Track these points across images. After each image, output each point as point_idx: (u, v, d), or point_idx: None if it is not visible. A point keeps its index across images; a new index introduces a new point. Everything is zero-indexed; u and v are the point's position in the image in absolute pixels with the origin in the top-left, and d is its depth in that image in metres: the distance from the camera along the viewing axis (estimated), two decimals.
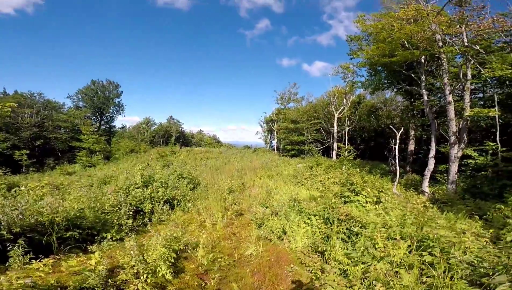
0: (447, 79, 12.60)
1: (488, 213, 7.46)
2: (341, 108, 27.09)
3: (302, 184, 12.33)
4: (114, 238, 5.19)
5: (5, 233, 3.91)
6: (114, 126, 52.22)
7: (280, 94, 41.02)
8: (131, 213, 6.32)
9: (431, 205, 7.55)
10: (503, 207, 7.24)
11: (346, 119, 27.97)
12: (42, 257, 3.60)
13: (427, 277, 3.46)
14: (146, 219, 7.10)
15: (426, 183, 12.73)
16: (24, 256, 3.73)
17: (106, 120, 49.12)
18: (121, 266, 3.81)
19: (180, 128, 63.67)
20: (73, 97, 45.95)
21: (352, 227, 5.08)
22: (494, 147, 12.58)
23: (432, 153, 13.27)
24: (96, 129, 40.55)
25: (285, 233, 6.02)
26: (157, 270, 3.88)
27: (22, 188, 6.78)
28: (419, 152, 21.67)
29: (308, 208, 6.93)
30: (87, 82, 47.08)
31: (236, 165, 20.68)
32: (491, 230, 5.42)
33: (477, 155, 13.13)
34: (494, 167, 12.42)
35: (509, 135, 14.25)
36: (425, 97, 14.50)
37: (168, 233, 5.33)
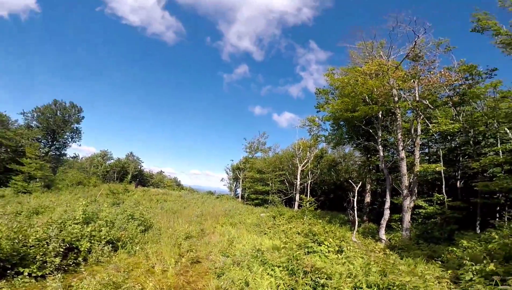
0: (401, 134, 14.08)
1: (443, 255, 7.92)
2: (305, 161, 28.19)
3: (265, 233, 11.91)
4: (33, 274, 4.06)
5: None
6: (65, 154, 46.86)
7: (249, 142, 41.75)
8: (61, 249, 5.18)
9: (391, 252, 7.69)
10: (455, 249, 7.88)
11: (309, 172, 28.95)
12: None
13: None
14: (81, 258, 5.87)
15: (382, 231, 13.27)
16: None
17: (57, 145, 43.81)
18: None
19: (139, 166, 60.30)
20: (27, 114, 40.58)
21: (318, 279, 4.88)
22: (441, 198, 13.94)
23: (387, 204, 14.10)
24: (43, 154, 35.82)
25: (247, 285, 5.32)
26: None
27: None
28: (375, 203, 23.00)
29: (271, 259, 6.65)
30: (49, 101, 42.80)
31: (196, 210, 19.59)
32: (449, 271, 5.68)
33: (427, 205, 14.38)
34: (441, 214, 13.64)
35: (451, 186, 15.86)
36: (381, 153, 15.81)
37: (105, 276, 4.35)
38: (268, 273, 5.78)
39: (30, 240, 4.91)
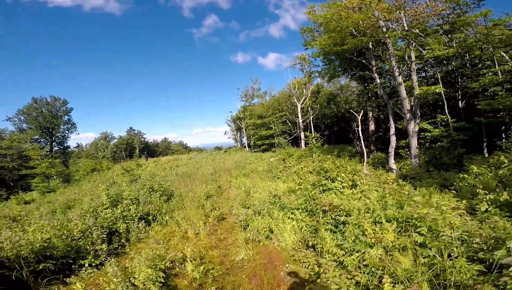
0: (395, 62, 13.72)
1: (455, 183, 7.90)
2: (303, 98, 27.99)
3: (278, 178, 12.37)
4: (93, 264, 4.74)
5: None
6: (69, 146, 48.20)
7: (244, 91, 41.21)
8: (105, 236, 5.82)
9: (404, 183, 7.81)
10: (466, 176, 7.69)
11: (309, 108, 29.01)
12: None
13: (423, 257, 3.50)
14: (123, 239, 6.59)
15: (392, 160, 13.67)
16: None
17: (58, 140, 44.95)
18: None
19: (142, 139, 60.73)
20: (13, 119, 40.94)
21: (337, 217, 5.14)
22: (445, 119, 13.95)
23: (392, 130, 14.30)
24: (48, 152, 36.68)
25: (272, 232, 5.99)
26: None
27: None
28: (379, 130, 23.27)
29: (289, 202, 6.89)
30: (28, 101, 42.19)
31: (209, 169, 20.24)
32: (463, 201, 5.63)
33: (432, 127, 14.43)
34: (448, 137, 13.82)
35: (453, 107, 15.96)
36: (378, 80, 15.63)
37: (149, 252, 5.01)
38: (288, 217, 6.19)
39: (75, 233, 5.53)
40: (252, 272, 4.54)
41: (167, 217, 8.46)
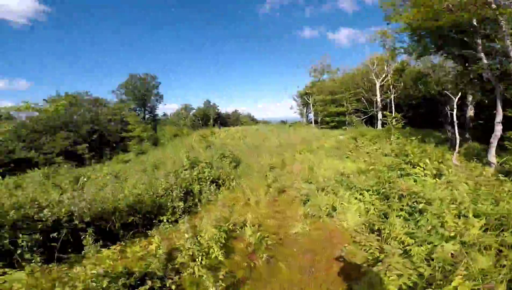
0: (510, 41, 10.40)
1: None
2: (383, 75, 24.84)
3: (347, 157, 11.74)
4: (169, 220, 5.51)
5: (77, 222, 4.37)
6: (157, 115, 56.93)
7: (313, 66, 39.45)
8: (182, 195, 6.67)
9: (505, 178, 6.40)
10: None
11: (390, 87, 25.64)
12: (110, 244, 3.98)
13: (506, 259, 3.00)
14: (196, 199, 7.42)
15: (492, 151, 11.02)
16: (96, 244, 4.13)
17: (149, 110, 53.73)
18: (178, 248, 4.02)
19: (216, 110, 66.17)
20: (116, 92, 50.54)
21: (415, 204, 4.58)
22: None
23: (499, 118, 11.36)
24: (142, 119, 44.63)
25: (334, 210, 5.77)
26: (210, 252, 4.03)
27: (85, 179, 7.55)
28: (479, 118, 19.01)
29: (358, 182, 6.49)
30: (126, 77, 51.34)
31: (275, 141, 20.51)
32: None
33: None
34: None
35: None
36: (485, 61, 12.25)
37: (217, 214, 5.52)
38: (355, 198, 5.85)
39: (159, 191, 6.53)
40: (306, 247, 4.51)
41: (234, 183, 9.09)
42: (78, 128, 35.32)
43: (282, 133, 26.39)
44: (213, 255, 4.00)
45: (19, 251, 3.60)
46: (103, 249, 3.81)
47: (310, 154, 13.21)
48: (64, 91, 41.03)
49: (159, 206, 5.97)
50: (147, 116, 53.02)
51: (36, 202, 4.42)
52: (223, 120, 64.12)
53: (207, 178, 8.75)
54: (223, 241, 4.29)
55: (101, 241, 4.22)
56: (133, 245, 4.16)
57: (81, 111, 37.84)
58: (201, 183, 8.40)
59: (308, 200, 6.54)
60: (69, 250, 4.10)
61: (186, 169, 9.21)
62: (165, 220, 5.34)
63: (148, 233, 4.94)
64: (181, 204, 6.23)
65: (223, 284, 3.33)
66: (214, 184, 8.65)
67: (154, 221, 5.46)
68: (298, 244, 4.67)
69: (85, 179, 7.65)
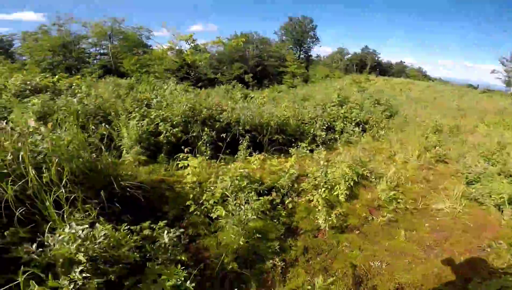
0: None
1: None
2: None
3: None
4: (307, 147, 6.02)
5: (241, 128, 5.55)
6: (311, 55, 60.36)
7: None
8: (324, 127, 6.93)
9: None
10: None
11: None
12: (257, 152, 4.90)
13: None
14: (337, 136, 7.49)
15: None
16: (247, 150, 5.08)
17: (304, 50, 58.36)
18: (306, 175, 4.40)
19: (376, 58, 61.32)
20: (278, 33, 57.68)
21: None
22: None
23: None
24: (297, 58, 49.27)
25: (510, 204, 4.30)
26: (335, 188, 4.18)
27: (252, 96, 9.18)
28: None
29: None
30: (286, 19, 56.57)
31: (451, 104, 16.10)
32: None
33: None
34: None
35: None
36: None
37: (355, 155, 5.43)
38: None
39: (306, 118, 7.05)
40: (444, 228, 3.81)
41: (382, 132, 8.30)
42: (247, 61, 43.77)
43: (467, 98, 19.91)
44: (335, 193, 4.15)
45: (199, 143, 4.96)
46: (251, 157, 4.73)
47: (504, 130, 9.56)
48: (240, 31, 50.42)
49: (301, 132, 6.57)
50: (302, 55, 57.30)
51: (219, 106, 5.99)
52: (382, 69, 57.79)
53: (353, 119, 8.46)
54: (351, 184, 4.28)
55: (251, 148, 5.23)
56: (272, 159, 4.94)
57: (250, 48, 45.72)
58: (345, 122, 8.25)
59: (477, 181, 5.22)
60: (227, 151, 5.20)
61: (334, 105, 9.17)
62: (303, 145, 5.88)
63: (290, 151, 5.62)
64: (323, 134, 6.56)
65: (332, 221, 3.44)
66: (359, 127, 8.25)
67: (293, 144, 6.13)
68: (433, 221, 4.02)
69: (252, 96, 9.42)
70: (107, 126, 3.66)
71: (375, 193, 4.49)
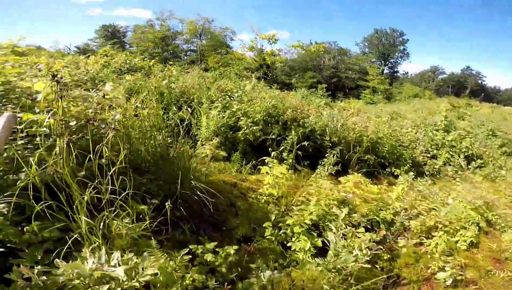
0: None
1: None
2: None
3: None
4: (395, 173, 4.83)
5: (326, 139, 4.71)
6: (397, 71, 54.65)
7: None
8: (428, 155, 5.54)
9: None
10: None
11: None
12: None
13: None
14: (437, 166, 5.94)
15: None
16: (333, 166, 3.93)
17: (390, 65, 53.16)
18: (421, 212, 3.42)
19: (479, 81, 53.95)
20: (360, 44, 53.37)
21: None
22: None
23: None
24: (380, 73, 44.19)
25: None
26: (457, 234, 3.18)
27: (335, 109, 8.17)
28: None
29: None
30: (371, 31, 51.94)
31: None
32: None
33: None
34: None
35: None
36: None
37: (474, 192, 4.04)
38: None
39: (404, 140, 5.74)
40: None
41: (503, 172, 6.34)
42: (322, 71, 41.78)
43: None
44: (455, 239, 3.12)
45: (281, 148, 4.18)
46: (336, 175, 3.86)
47: None
48: (314, 40, 46.21)
49: (397, 156, 5.34)
50: (386, 70, 52.21)
51: (304, 109, 5.25)
52: (486, 95, 49.44)
53: (463, 150, 6.76)
54: (477, 232, 3.22)
55: (339, 166, 4.10)
56: (368, 184, 3.89)
57: (327, 58, 43.66)
58: (451, 152, 6.60)
59: None
60: (306, 163, 4.43)
61: (437, 130, 7.50)
62: (398, 173, 4.70)
63: (377, 178, 4.58)
64: (438, 163, 5.19)
65: (451, 273, 2.63)
66: (466, 159, 6.50)
67: (386, 170, 5.00)
68: None
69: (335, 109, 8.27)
70: (189, 109, 3.36)
71: (502, 242, 3.42)
